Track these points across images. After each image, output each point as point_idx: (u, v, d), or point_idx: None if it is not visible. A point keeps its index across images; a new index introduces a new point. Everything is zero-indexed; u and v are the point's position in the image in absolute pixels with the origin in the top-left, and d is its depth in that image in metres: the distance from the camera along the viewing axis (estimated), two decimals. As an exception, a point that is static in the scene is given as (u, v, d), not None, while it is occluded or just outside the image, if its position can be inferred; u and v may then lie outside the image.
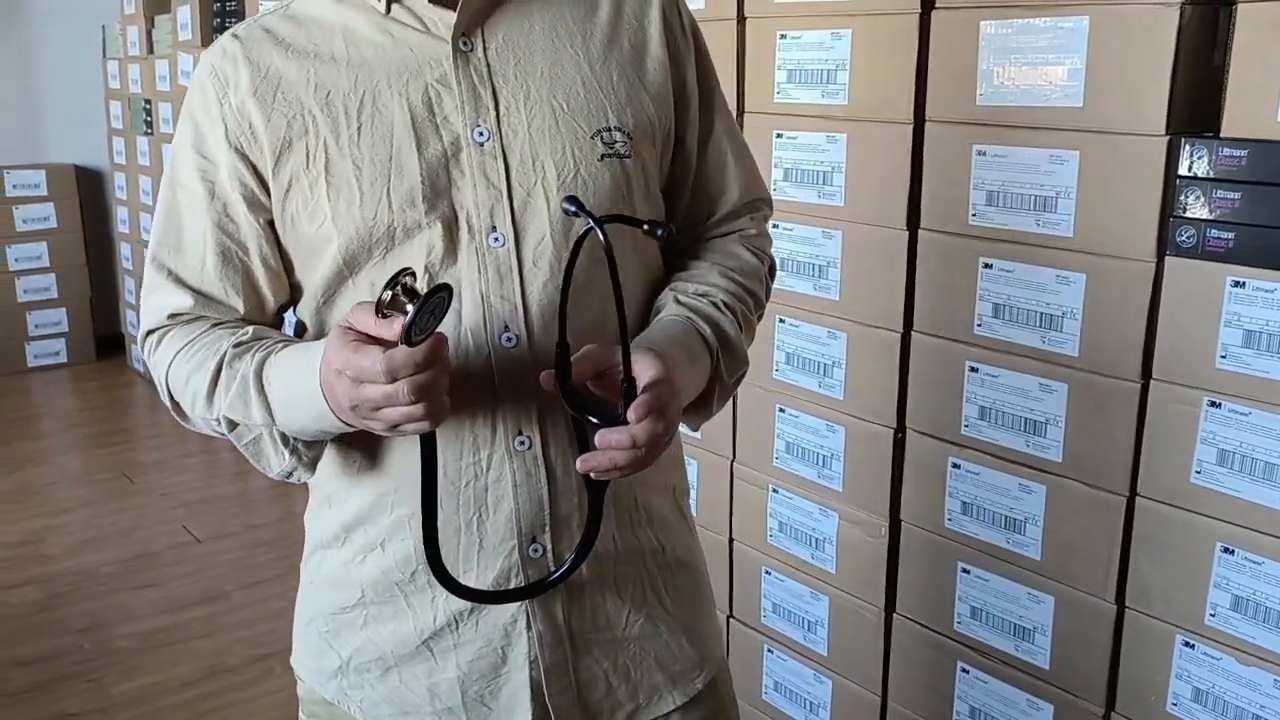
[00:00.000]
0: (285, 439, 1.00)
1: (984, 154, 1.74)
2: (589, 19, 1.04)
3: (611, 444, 0.90)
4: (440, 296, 0.84)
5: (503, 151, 0.98)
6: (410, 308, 0.83)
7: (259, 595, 3.05)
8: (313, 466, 1.04)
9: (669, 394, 0.92)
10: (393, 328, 0.84)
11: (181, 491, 3.82)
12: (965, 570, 1.89)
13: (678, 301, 1.06)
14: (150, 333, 1.08)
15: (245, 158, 1.00)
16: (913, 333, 1.90)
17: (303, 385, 0.93)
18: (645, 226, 0.89)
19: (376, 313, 0.86)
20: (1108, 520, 1.68)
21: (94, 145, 5.35)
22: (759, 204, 1.17)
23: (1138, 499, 1.64)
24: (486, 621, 1.03)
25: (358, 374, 0.85)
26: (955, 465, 1.87)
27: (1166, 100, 1.53)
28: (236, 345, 1.00)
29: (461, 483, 1.00)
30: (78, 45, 5.26)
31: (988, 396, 1.80)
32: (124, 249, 5.16)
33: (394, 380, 0.83)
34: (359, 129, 0.97)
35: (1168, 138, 1.54)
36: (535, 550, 1.01)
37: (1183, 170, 1.54)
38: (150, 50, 4.57)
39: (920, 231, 1.86)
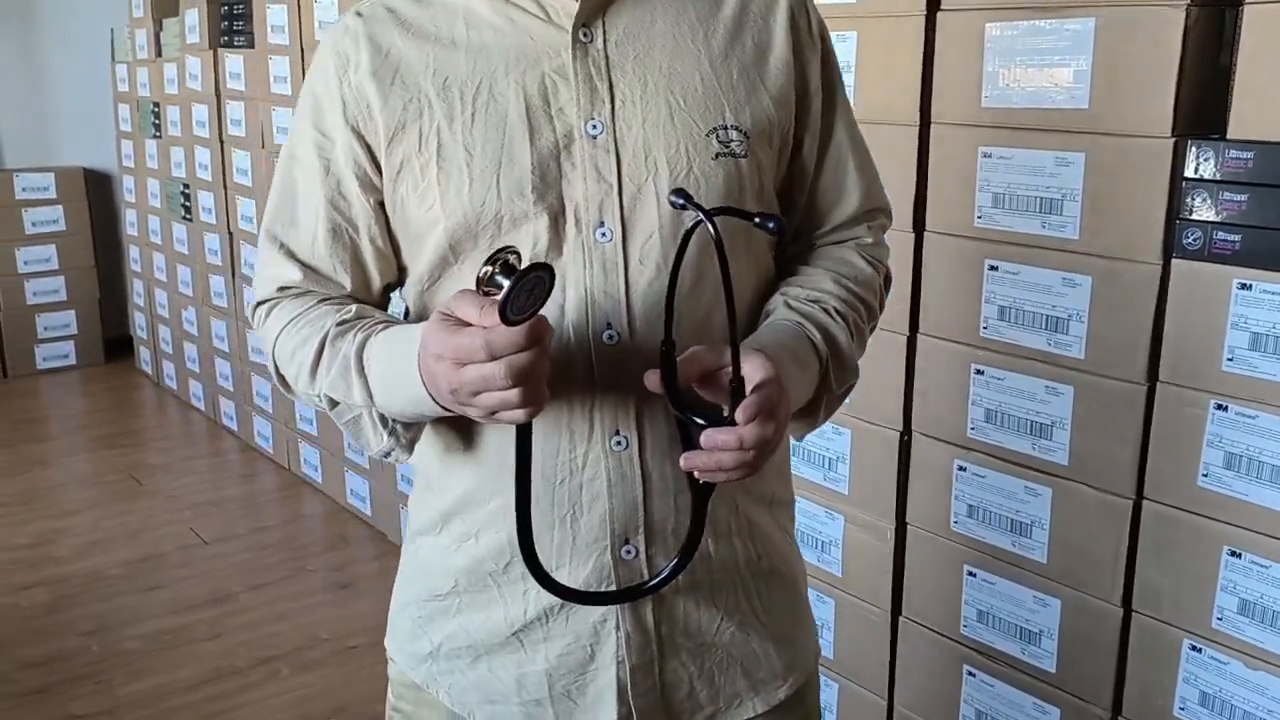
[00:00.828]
0: (384, 420, 1.00)
1: (989, 156, 1.74)
2: (713, 14, 1.02)
3: (718, 444, 0.88)
4: (538, 276, 0.81)
5: (615, 145, 0.97)
6: (507, 283, 0.81)
7: (266, 597, 3.06)
8: (410, 448, 1.04)
9: (778, 396, 0.90)
10: (493, 314, 0.82)
11: (189, 493, 3.82)
12: (972, 573, 1.88)
13: (788, 306, 1.04)
14: (260, 304, 1.09)
15: (361, 137, 1.00)
16: (919, 335, 1.90)
17: (402, 368, 0.93)
18: (757, 219, 0.85)
19: (477, 289, 0.85)
20: (1114, 523, 1.67)
21: (102, 148, 5.36)
22: (877, 214, 1.13)
23: (1144, 502, 1.64)
24: (577, 618, 1.03)
25: (457, 355, 0.84)
26: (961, 468, 1.86)
27: (1173, 102, 1.53)
28: (340, 324, 1.00)
29: (556, 479, 0.99)
30: (86, 48, 5.27)
31: (994, 399, 1.80)
32: (132, 251, 5.17)
33: (493, 359, 0.82)
34: (473, 115, 0.97)
35: (1174, 139, 1.54)
36: (628, 552, 1.00)
37: (1189, 172, 1.53)
38: (158, 53, 4.58)
39: (926, 234, 1.86)
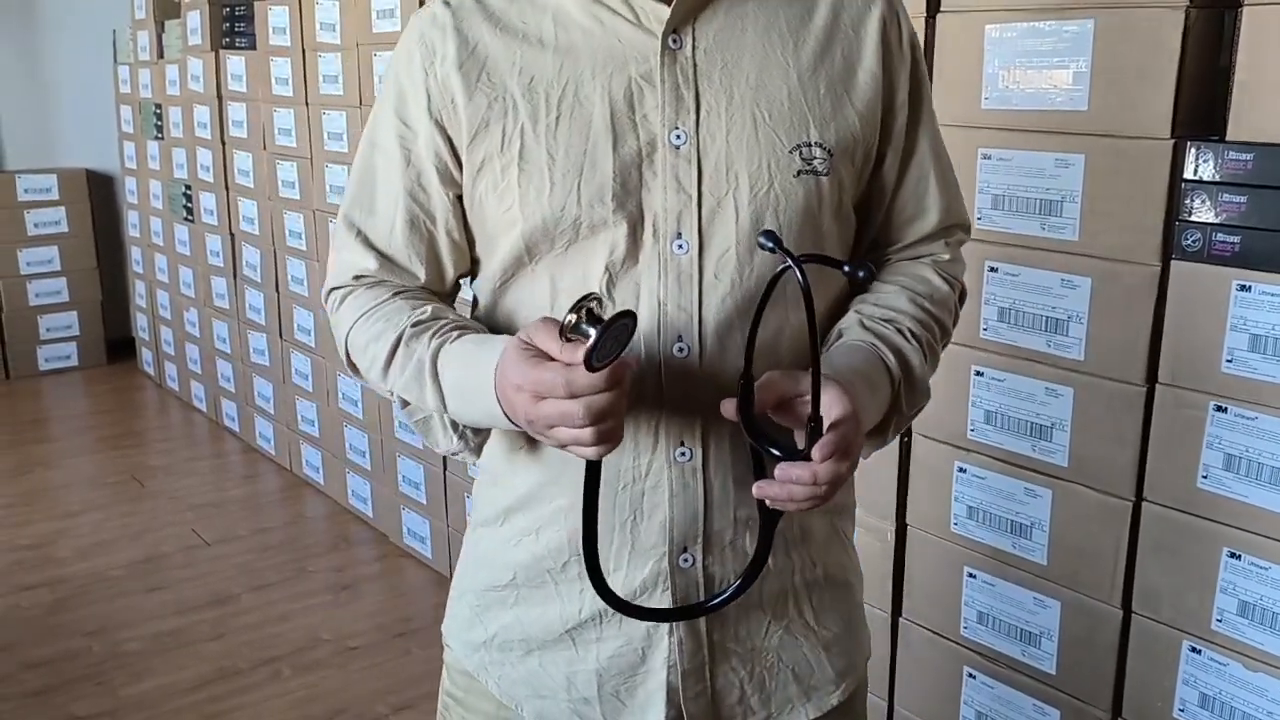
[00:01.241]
0: (454, 424, 1.02)
1: (989, 158, 1.74)
2: (804, 23, 1.00)
3: (792, 478, 0.88)
4: (624, 323, 0.82)
5: (698, 157, 0.96)
6: (593, 332, 0.82)
7: (267, 598, 3.06)
8: (479, 451, 1.05)
9: (854, 433, 0.90)
10: (575, 353, 0.83)
11: (191, 495, 3.83)
12: (972, 575, 1.88)
13: (863, 325, 1.02)
14: (334, 289, 1.09)
15: (444, 130, 0.99)
16: (918, 337, 1.89)
17: (478, 383, 0.93)
18: (846, 269, 0.86)
19: (560, 336, 0.85)
20: (1114, 525, 1.67)
21: (105, 150, 5.37)
22: (955, 229, 1.11)
23: (1144, 504, 1.64)
24: (631, 622, 1.03)
25: (536, 388, 0.85)
26: (961, 469, 1.86)
27: (1172, 103, 1.53)
28: (415, 324, 1.00)
29: (619, 485, 0.99)
30: (88, 50, 5.28)
31: (994, 400, 1.80)
32: (135, 253, 5.18)
33: (573, 397, 0.83)
34: (557, 119, 0.96)
35: (1173, 141, 1.54)
36: (685, 560, 1.00)
37: (1188, 174, 1.53)
38: (160, 55, 4.58)
39: (926, 235, 1.85)
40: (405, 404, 1.03)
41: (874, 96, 1.01)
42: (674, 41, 0.96)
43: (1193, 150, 1.52)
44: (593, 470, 0.92)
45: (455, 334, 0.99)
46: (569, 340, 0.85)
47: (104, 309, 5.38)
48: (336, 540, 3.47)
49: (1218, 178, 1.51)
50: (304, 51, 3.43)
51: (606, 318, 0.83)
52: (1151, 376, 1.61)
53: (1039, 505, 1.76)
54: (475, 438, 1.04)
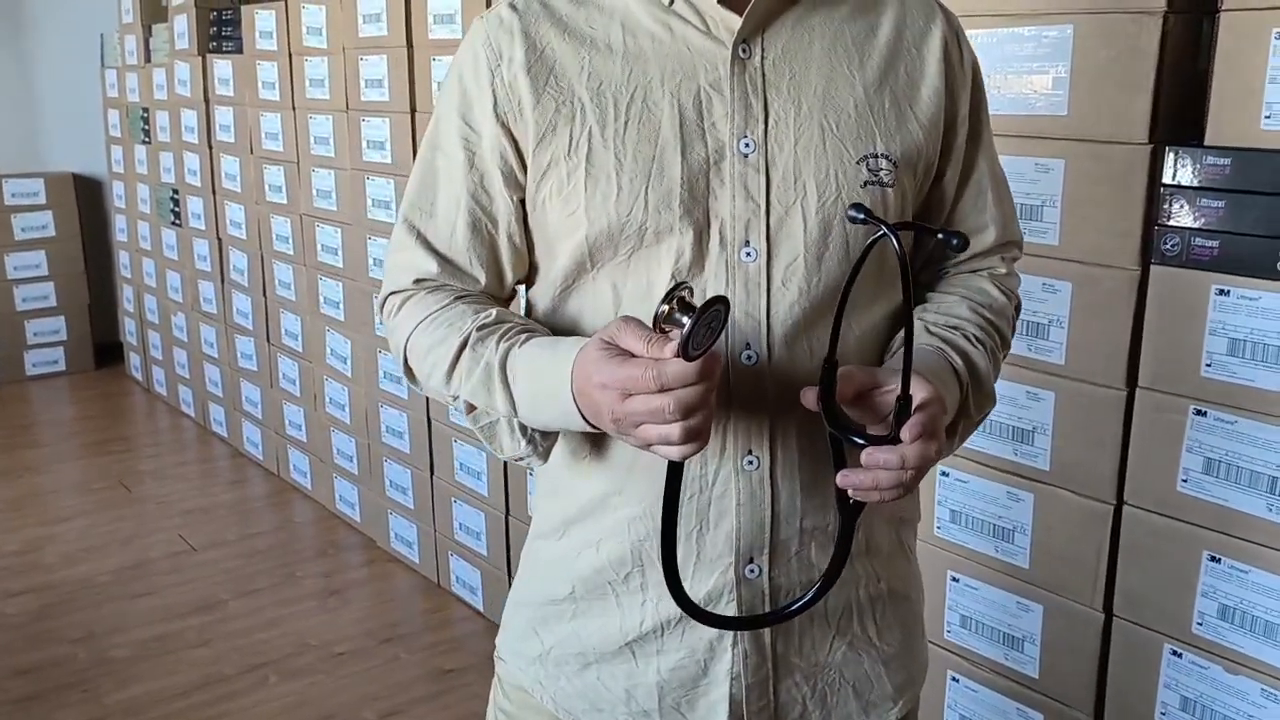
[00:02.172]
0: (523, 428, 1.00)
1: (970, 163, 1.74)
2: (869, 39, 1.01)
3: (879, 463, 0.87)
4: (717, 310, 0.81)
5: (766, 165, 0.96)
6: (686, 320, 0.81)
7: (255, 604, 3.05)
8: (546, 455, 1.03)
9: (940, 416, 0.89)
10: (664, 347, 0.82)
11: (178, 500, 3.82)
12: (955, 579, 1.89)
13: (929, 331, 1.03)
14: (393, 293, 1.08)
15: (509, 133, 0.99)
16: (901, 341, 1.90)
17: (552, 387, 0.92)
18: (940, 234, 0.86)
19: (654, 327, 0.85)
20: (1095, 529, 1.68)
21: (92, 154, 5.36)
22: (1011, 246, 1.13)
23: (1125, 507, 1.64)
24: (693, 633, 1.02)
25: (625, 385, 0.84)
26: (944, 473, 1.87)
27: (1150, 108, 1.54)
28: (481, 328, 0.98)
29: (685, 494, 0.98)
30: (76, 54, 5.27)
31: (976, 405, 1.80)
32: (122, 257, 5.16)
33: (663, 391, 0.82)
34: (626, 124, 0.96)
35: (1152, 146, 1.55)
36: (752, 571, 1.00)
37: (1167, 178, 1.54)
38: (148, 59, 4.57)
39: (908, 240, 1.86)
40: (471, 409, 1.01)
41: (936, 111, 1.02)
42: (744, 51, 0.97)
43: (1171, 155, 1.53)
44: (674, 472, 0.90)
45: (523, 336, 0.98)
46: (663, 331, 0.84)
47: (91, 314, 5.36)
48: (324, 545, 3.47)
49: (1196, 182, 1.51)
50: (291, 56, 3.43)
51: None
52: (1132, 380, 1.61)
53: (1021, 509, 1.77)
54: (544, 442, 1.02)
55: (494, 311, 1.01)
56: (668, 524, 0.91)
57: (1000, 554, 1.81)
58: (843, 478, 0.90)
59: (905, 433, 0.86)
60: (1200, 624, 1.58)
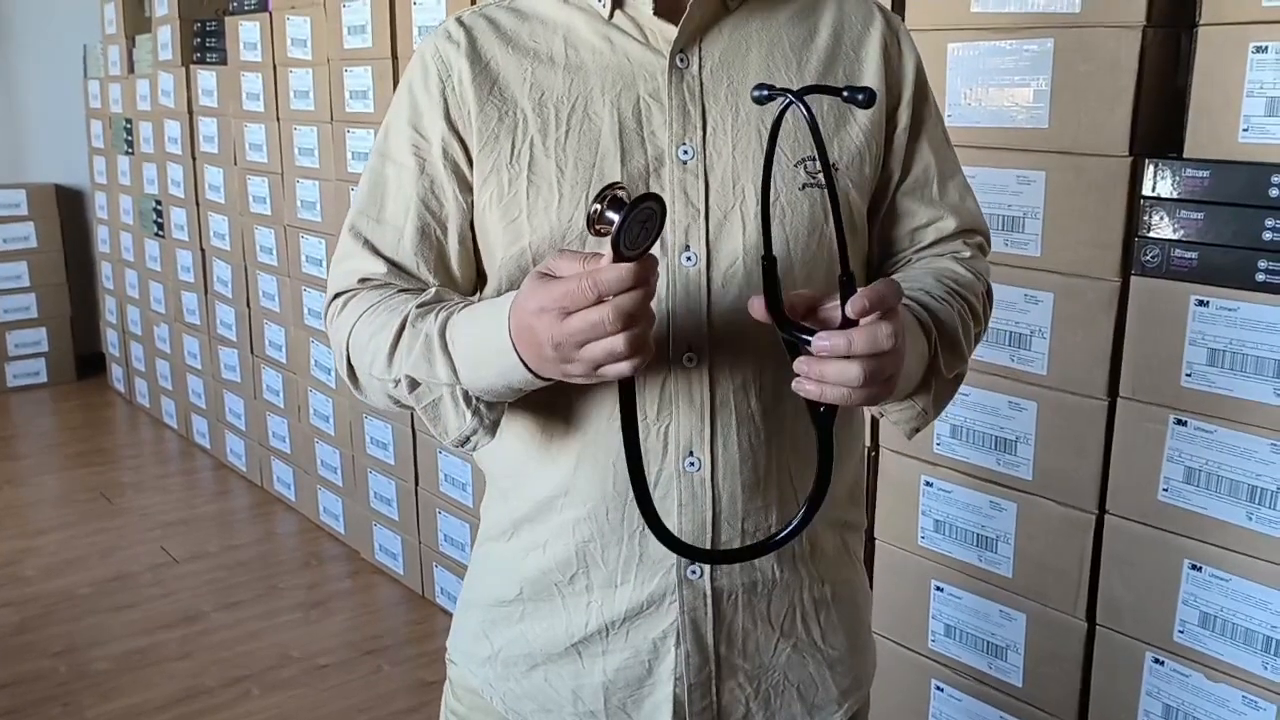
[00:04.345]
0: (468, 398, 0.98)
1: (953, 174, 1.76)
2: (807, 44, 1.03)
3: (826, 349, 0.82)
4: (649, 207, 0.79)
5: (705, 171, 0.98)
6: (617, 218, 0.78)
7: (237, 616, 3.04)
8: (493, 430, 1.00)
9: (895, 299, 0.84)
10: (600, 261, 0.80)
11: (160, 512, 3.80)
12: (939, 588, 1.89)
13: None
14: (337, 296, 1.07)
15: (460, 137, 1.01)
16: (885, 351, 1.91)
17: (490, 335, 0.91)
18: (844, 93, 0.82)
19: (589, 227, 0.84)
20: (1077, 538, 1.69)
21: (75, 165, 5.34)
22: (974, 234, 1.12)
23: (1107, 516, 1.65)
24: (638, 633, 1.03)
25: (561, 302, 0.82)
26: (928, 483, 1.88)
27: (1130, 121, 1.55)
28: (420, 305, 0.98)
29: (627, 496, 0.98)
30: (59, 65, 5.25)
31: (959, 414, 1.81)
32: (105, 268, 5.14)
33: (600, 301, 0.81)
34: (567, 132, 0.98)
35: (1132, 158, 1.56)
36: (694, 572, 1.01)
37: (1147, 190, 1.55)
38: (131, 70, 4.56)
39: (891, 251, 1.87)
40: (414, 386, 0.99)
41: (877, 112, 1.03)
42: (681, 60, 0.99)
43: (1151, 167, 1.55)
44: (628, 390, 0.88)
45: (462, 306, 0.97)
46: (597, 231, 0.83)
47: (73, 325, 5.33)
48: (307, 557, 3.45)
49: (1176, 194, 1.53)
50: (275, 67, 3.43)
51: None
52: (1113, 390, 1.63)
53: (1004, 518, 1.78)
54: (490, 414, 0.99)
55: (434, 290, 1.01)
56: (632, 452, 0.89)
57: (983, 563, 1.82)
58: (795, 384, 0.85)
59: (849, 308, 0.82)
60: (1182, 632, 1.59)
